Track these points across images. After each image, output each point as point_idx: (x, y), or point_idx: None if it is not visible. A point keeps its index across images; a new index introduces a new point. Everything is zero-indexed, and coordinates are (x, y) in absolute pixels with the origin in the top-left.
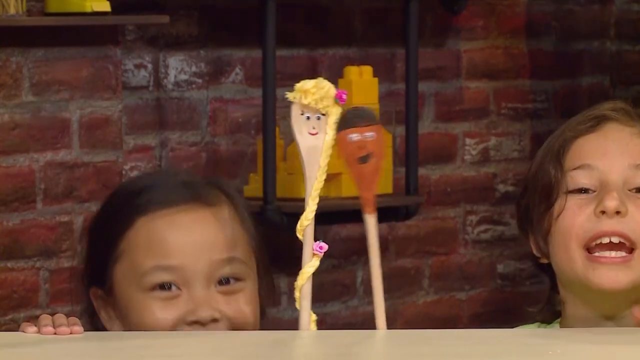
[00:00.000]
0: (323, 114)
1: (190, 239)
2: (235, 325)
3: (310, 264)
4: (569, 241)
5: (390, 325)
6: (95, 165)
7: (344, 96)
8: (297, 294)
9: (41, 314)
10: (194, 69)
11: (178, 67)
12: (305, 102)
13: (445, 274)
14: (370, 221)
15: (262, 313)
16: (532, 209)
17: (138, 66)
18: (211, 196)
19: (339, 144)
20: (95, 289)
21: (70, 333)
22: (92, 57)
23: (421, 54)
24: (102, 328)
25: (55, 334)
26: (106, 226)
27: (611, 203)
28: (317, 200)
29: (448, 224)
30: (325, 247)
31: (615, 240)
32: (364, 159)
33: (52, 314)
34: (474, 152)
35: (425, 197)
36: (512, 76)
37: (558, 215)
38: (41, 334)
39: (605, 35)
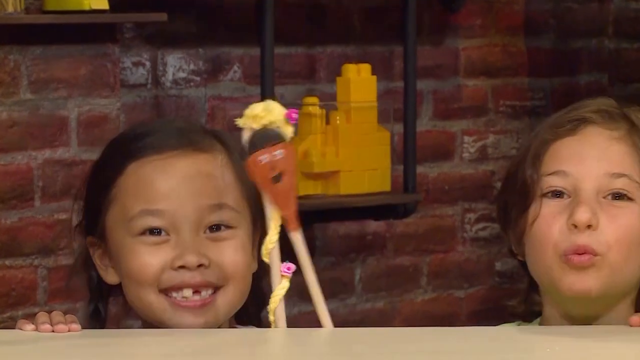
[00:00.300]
0: None
1: (178, 184)
2: (225, 273)
3: (280, 286)
4: (544, 250)
5: (389, 323)
6: None
7: (294, 115)
8: (271, 318)
9: (39, 312)
10: (192, 66)
11: (176, 65)
12: (255, 126)
13: (444, 271)
14: (296, 238)
15: (264, 264)
16: (510, 207)
17: (136, 64)
18: (205, 143)
19: (250, 167)
20: (91, 238)
21: (68, 331)
22: (90, 55)
23: (419, 52)
24: (98, 279)
25: (52, 331)
26: (100, 174)
27: (582, 216)
28: (279, 222)
29: (446, 221)
30: (293, 267)
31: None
32: (276, 179)
33: (50, 312)
34: (472, 150)
35: (424, 195)
36: (511, 74)
37: (533, 221)
38: (39, 331)
39: (604, 33)
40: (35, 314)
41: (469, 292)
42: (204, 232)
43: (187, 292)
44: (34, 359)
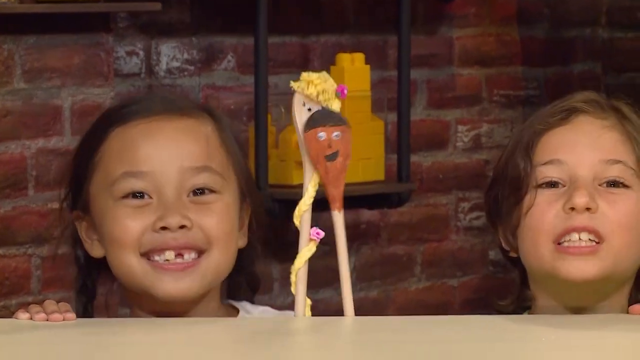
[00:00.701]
0: (324, 107)
1: (162, 146)
2: (208, 237)
3: (307, 248)
4: (537, 237)
5: (383, 311)
6: None
7: (345, 91)
8: (292, 278)
9: (33, 301)
10: (185, 56)
11: (170, 54)
12: (307, 92)
13: (437, 260)
14: (338, 218)
15: (254, 243)
16: (501, 201)
17: (130, 53)
18: (191, 109)
19: (307, 141)
20: (77, 212)
21: (63, 320)
22: (84, 44)
23: (413, 41)
24: (85, 255)
25: (47, 320)
26: (84, 145)
27: (581, 200)
28: (316, 187)
29: (440, 210)
30: (322, 233)
31: (584, 237)
32: (331, 157)
33: (43, 301)
34: (465, 139)
35: (417, 184)
36: (504, 63)
37: (527, 211)
38: (34, 320)
39: (597, 22)
40: (29, 304)
41: (463, 280)
42: (188, 196)
43: (169, 255)
44: (29, 347)
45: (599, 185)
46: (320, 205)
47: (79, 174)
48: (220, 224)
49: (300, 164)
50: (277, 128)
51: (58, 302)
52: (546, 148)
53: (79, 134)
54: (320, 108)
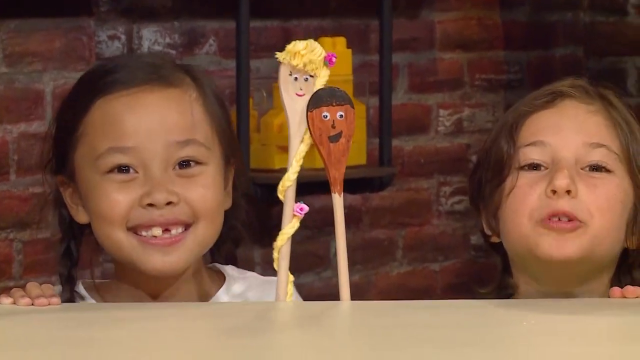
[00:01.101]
0: (311, 76)
1: (146, 120)
2: (195, 210)
3: (290, 225)
4: (519, 218)
5: (364, 296)
6: None
7: (334, 59)
8: (275, 254)
9: (14, 286)
10: (167, 40)
11: (152, 38)
12: (294, 63)
13: (419, 245)
14: (337, 200)
15: (238, 200)
16: (484, 184)
17: (112, 37)
18: (174, 77)
19: (310, 121)
20: (61, 177)
21: (49, 304)
22: (65, 29)
23: (395, 25)
24: (69, 217)
25: (32, 305)
26: (67, 111)
27: (562, 182)
28: (300, 162)
29: (422, 195)
30: (306, 208)
31: (564, 219)
32: (334, 138)
33: (25, 285)
34: (447, 123)
35: (399, 168)
36: (486, 47)
37: (509, 192)
38: (18, 305)
39: (579, 6)
40: (10, 288)
41: (444, 265)
42: (173, 169)
43: (157, 231)
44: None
45: (581, 168)
46: (301, 190)
47: (62, 141)
48: (206, 197)
49: (281, 149)
50: (259, 112)
51: (40, 285)
52: (530, 130)
53: None
54: (306, 77)
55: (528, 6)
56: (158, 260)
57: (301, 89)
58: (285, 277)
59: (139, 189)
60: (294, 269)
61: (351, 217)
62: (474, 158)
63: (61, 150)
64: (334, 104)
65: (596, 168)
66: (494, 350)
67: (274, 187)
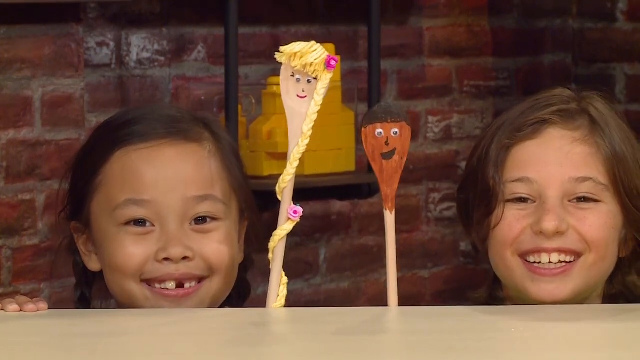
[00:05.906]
0: (315, 78)
1: (165, 174)
2: (211, 265)
3: (283, 227)
4: (505, 251)
5: (353, 303)
6: (58, 144)
7: (333, 62)
8: (270, 256)
9: (3, 293)
10: (156, 47)
11: (140, 45)
12: (292, 64)
13: (408, 251)
14: (389, 218)
15: (250, 255)
16: (472, 208)
17: (100, 44)
18: (193, 132)
19: (364, 137)
20: (76, 223)
21: (37, 310)
22: (54, 35)
23: (384, 32)
24: (82, 263)
25: (21, 311)
26: (86, 159)
27: (550, 224)
28: (296, 163)
29: (411, 201)
30: (300, 210)
31: (554, 259)
32: (387, 155)
33: (13, 293)
34: (436, 130)
35: None
36: (475, 54)
37: (496, 225)
38: (6, 311)
39: (568, 13)
40: (0, 295)
41: (434, 271)
42: (190, 224)
43: (170, 285)
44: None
45: (569, 201)
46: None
47: (79, 189)
48: (221, 253)
49: (270, 155)
50: (248, 119)
51: (29, 293)
52: (515, 164)
53: (49, 125)
54: (309, 79)
55: (517, 13)
56: None
57: (303, 91)
58: (278, 278)
59: (154, 243)
60: None
61: (340, 223)
62: (462, 164)
63: (78, 197)
64: (389, 121)
65: (584, 199)
66: (483, 357)
67: (262, 194)
